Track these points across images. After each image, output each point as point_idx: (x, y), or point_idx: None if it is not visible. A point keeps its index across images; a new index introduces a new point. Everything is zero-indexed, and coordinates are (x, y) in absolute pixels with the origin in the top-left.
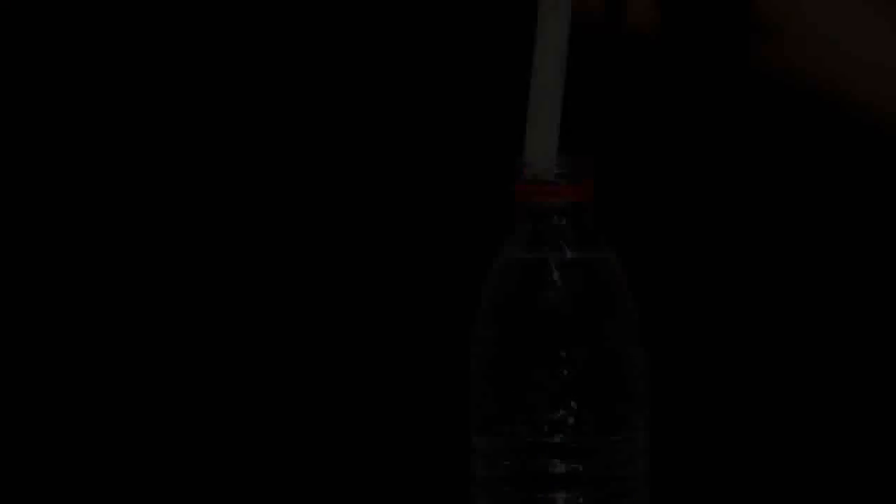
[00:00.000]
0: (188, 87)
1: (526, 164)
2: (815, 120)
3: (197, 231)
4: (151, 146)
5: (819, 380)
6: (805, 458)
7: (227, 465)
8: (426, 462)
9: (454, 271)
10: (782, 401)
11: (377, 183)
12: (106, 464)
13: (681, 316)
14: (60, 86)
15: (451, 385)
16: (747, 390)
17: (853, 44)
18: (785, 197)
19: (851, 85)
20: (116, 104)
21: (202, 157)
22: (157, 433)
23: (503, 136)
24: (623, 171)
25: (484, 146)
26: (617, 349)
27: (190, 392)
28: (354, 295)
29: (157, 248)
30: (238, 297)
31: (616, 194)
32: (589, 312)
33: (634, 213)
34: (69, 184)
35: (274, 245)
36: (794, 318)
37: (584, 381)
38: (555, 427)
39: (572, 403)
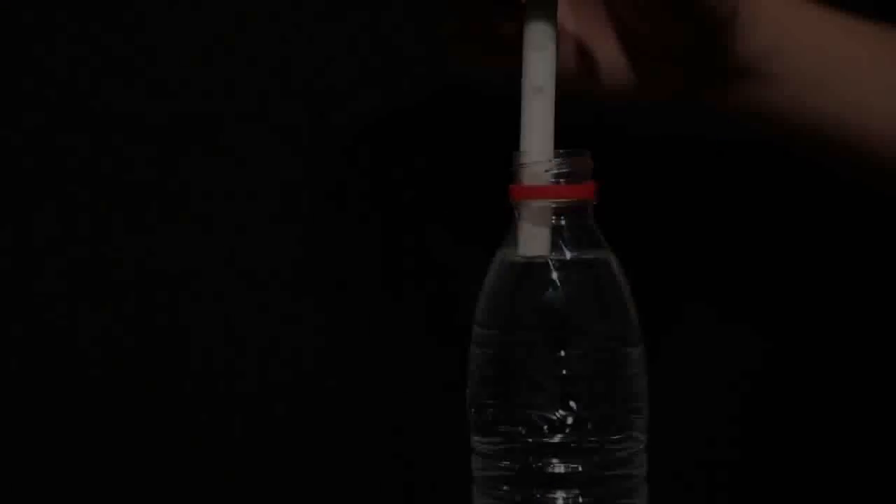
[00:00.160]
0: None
1: (525, 164)
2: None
3: (197, 230)
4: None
5: (819, 380)
6: (805, 458)
7: (227, 465)
8: (426, 462)
9: (454, 271)
10: (783, 400)
11: (377, 182)
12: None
13: (681, 316)
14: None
15: (450, 385)
16: (747, 390)
17: (836, 82)
18: (784, 197)
19: (837, 122)
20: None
21: (201, 156)
22: (157, 433)
23: (503, 135)
24: (623, 171)
25: (483, 146)
26: (616, 349)
27: (187, 388)
28: (354, 295)
29: (156, 246)
30: (238, 296)
31: (616, 194)
32: (588, 313)
33: (634, 213)
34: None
35: (274, 245)
36: (793, 317)
37: (584, 382)
38: (554, 427)
39: (572, 403)
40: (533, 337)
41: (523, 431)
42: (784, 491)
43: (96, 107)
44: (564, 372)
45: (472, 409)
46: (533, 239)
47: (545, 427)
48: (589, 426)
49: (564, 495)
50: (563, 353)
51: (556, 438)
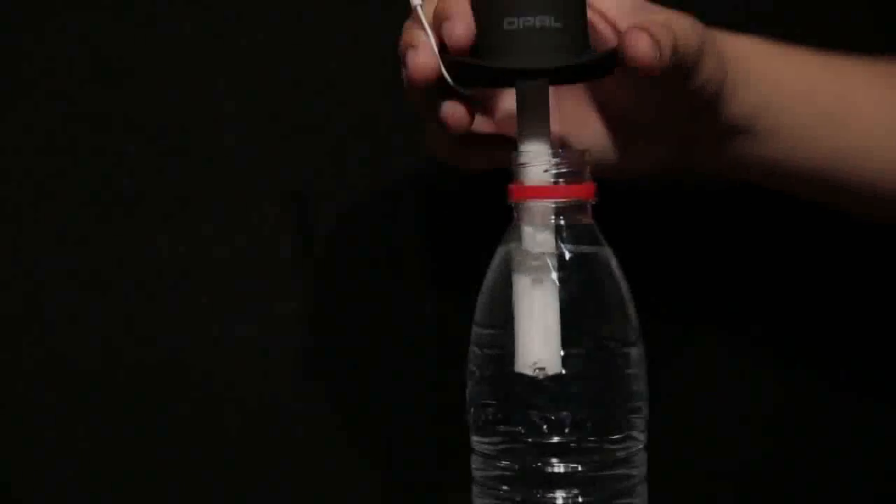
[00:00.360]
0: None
1: (524, 164)
2: None
3: (197, 230)
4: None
5: (819, 379)
6: (805, 458)
7: (227, 465)
8: (426, 462)
9: (454, 270)
10: (783, 400)
11: (377, 182)
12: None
13: (681, 316)
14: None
15: (450, 384)
16: (747, 390)
17: (829, 128)
18: (784, 197)
19: (832, 167)
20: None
21: (198, 155)
22: (157, 433)
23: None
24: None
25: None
26: (616, 349)
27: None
28: (354, 294)
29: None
30: (238, 296)
31: (616, 194)
32: (588, 312)
33: (634, 212)
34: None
35: (273, 245)
36: (793, 317)
37: (583, 381)
38: (554, 427)
39: (571, 403)
40: None
41: (523, 431)
42: (784, 491)
43: (96, 107)
44: (563, 372)
45: (472, 409)
46: (534, 238)
47: (545, 427)
48: (589, 426)
49: (564, 495)
50: (562, 352)
51: (556, 438)
